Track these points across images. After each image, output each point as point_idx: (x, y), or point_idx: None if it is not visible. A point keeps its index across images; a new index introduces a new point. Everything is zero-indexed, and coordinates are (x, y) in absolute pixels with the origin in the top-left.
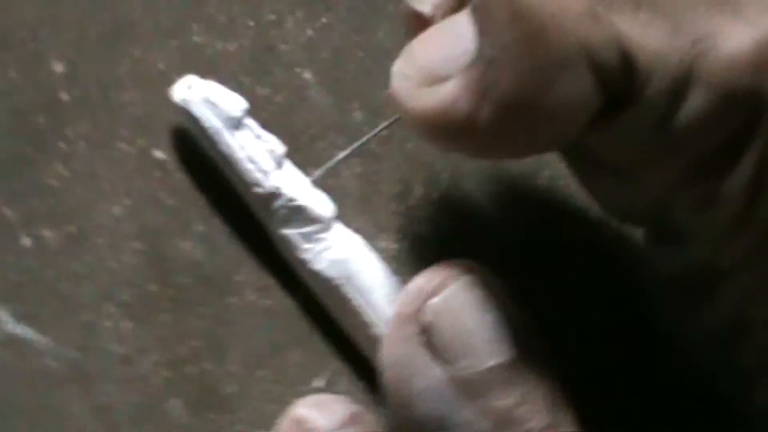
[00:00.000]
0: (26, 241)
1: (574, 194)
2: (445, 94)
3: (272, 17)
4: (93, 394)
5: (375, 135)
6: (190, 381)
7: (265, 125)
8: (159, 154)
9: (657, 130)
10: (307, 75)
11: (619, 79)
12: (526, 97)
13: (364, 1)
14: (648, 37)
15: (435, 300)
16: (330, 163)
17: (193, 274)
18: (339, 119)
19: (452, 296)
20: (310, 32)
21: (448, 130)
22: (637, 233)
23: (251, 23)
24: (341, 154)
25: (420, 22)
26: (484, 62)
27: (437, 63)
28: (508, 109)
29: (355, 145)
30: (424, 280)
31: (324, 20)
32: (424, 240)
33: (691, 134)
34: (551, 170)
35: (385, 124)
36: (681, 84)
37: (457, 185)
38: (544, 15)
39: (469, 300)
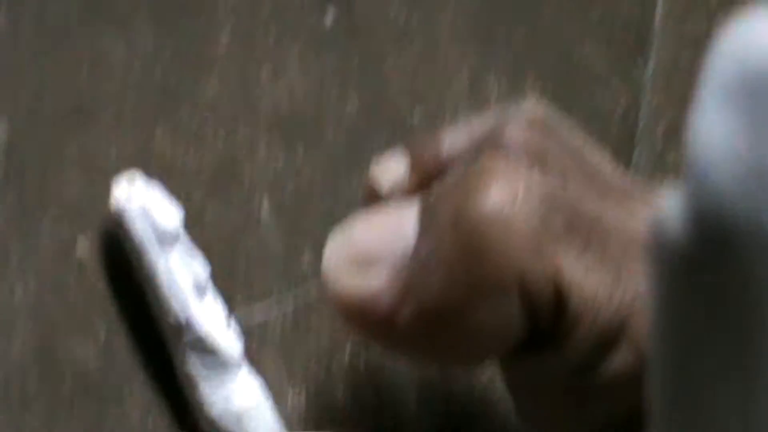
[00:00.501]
0: None
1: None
2: (370, 283)
3: (246, 137)
4: None
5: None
6: None
7: (204, 245)
8: (81, 247)
9: (574, 376)
10: (265, 203)
11: (548, 317)
12: (449, 309)
13: (347, 147)
14: (588, 281)
15: None
16: (252, 312)
17: (80, 376)
18: (285, 256)
19: None
20: (280, 164)
21: (364, 318)
22: None
23: (221, 137)
24: (273, 299)
25: (375, 199)
26: (417, 261)
27: (372, 246)
28: (428, 315)
29: (290, 294)
30: None
31: (299, 153)
32: (337, 404)
33: (609, 391)
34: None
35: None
36: (610, 338)
37: (388, 363)
38: (487, 235)
39: None
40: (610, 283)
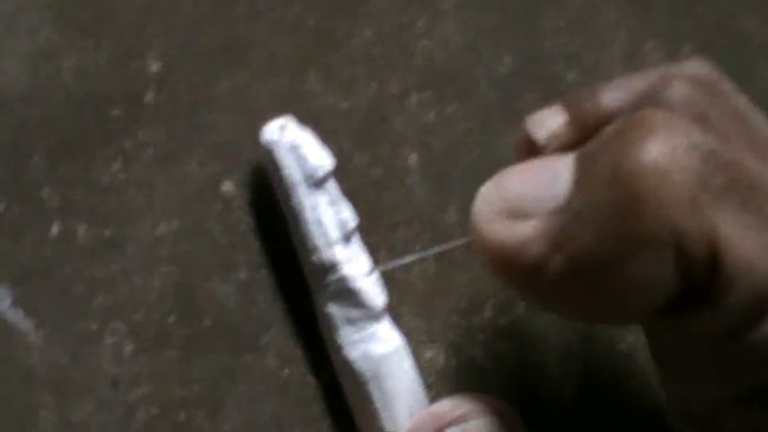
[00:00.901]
0: (55, 230)
1: (650, 373)
2: (521, 233)
3: (397, 89)
4: (67, 408)
5: (454, 247)
6: (175, 427)
7: (351, 194)
8: (228, 186)
9: (724, 340)
10: (413, 158)
11: (702, 277)
12: (600, 263)
13: (499, 105)
14: (745, 242)
15: (452, 429)
16: (400, 262)
17: (219, 318)
18: (430, 214)
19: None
20: (431, 116)
21: (513, 269)
22: None
23: (373, 87)
24: (416, 256)
25: (530, 148)
26: (569, 213)
27: (524, 199)
28: (578, 267)
29: (433, 251)
30: (449, 406)
31: (450, 109)
32: (475, 365)
33: (758, 358)
34: (635, 336)
35: (458, 242)
36: (764, 301)
37: (530, 319)
38: (645, 187)
39: None
40: (766, 245)
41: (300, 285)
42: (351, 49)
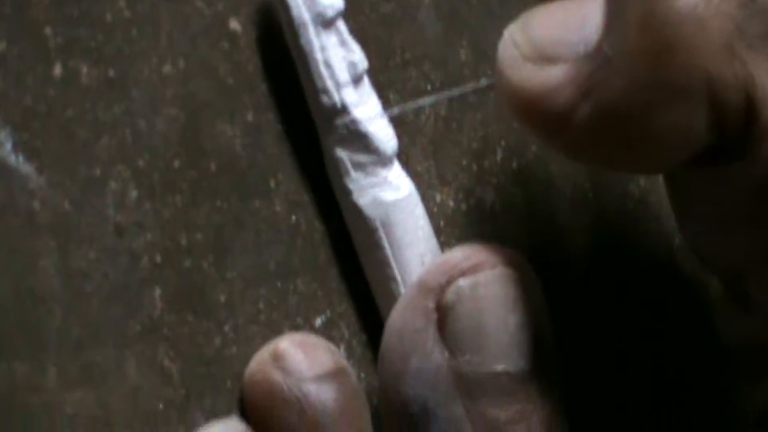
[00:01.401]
0: (58, 71)
1: (664, 215)
2: (548, 79)
3: None
4: (70, 255)
5: (467, 92)
6: (180, 274)
7: (360, 32)
8: (235, 24)
9: (757, 193)
10: None
11: (737, 127)
12: (630, 111)
13: None
14: None
15: (463, 281)
16: (411, 105)
17: (225, 163)
18: (441, 52)
19: (482, 284)
20: None
21: (539, 115)
22: (715, 283)
23: None
24: (428, 99)
25: None
26: (599, 59)
27: (552, 42)
28: (608, 116)
29: (447, 93)
30: (461, 256)
31: None
32: (485, 209)
33: None
34: (648, 181)
35: (477, 86)
36: None
37: (542, 164)
38: (679, 34)
39: (498, 293)
40: None
41: (308, 128)
42: None
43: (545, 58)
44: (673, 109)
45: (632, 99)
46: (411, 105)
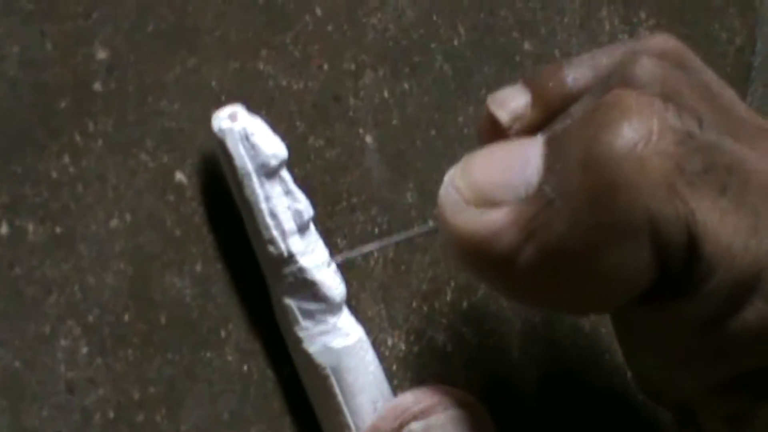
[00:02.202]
0: (4, 229)
1: (615, 349)
2: (491, 222)
3: (351, 67)
4: (21, 414)
5: (414, 236)
6: (133, 429)
7: (306, 179)
8: (180, 176)
9: (703, 328)
10: (369, 138)
11: (680, 264)
12: (574, 252)
13: (455, 79)
14: (723, 228)
15: (415, 425)
16: (360, 250)
17: (175, 315)
18: (388, 195)
19: (435, 426)
20: (386, 94)
21: (482, 259)
22: (668, 416)
23: (326, 66)
24: (373, 245)
25: (495, 128)
26: (541, 201)
27: (493, 186)
28: (552, 258)
29: (391, 240)
30: (412, 399)
31: (405, 85)
32: (437, 350)
33: (739, 345)
34: (597, 315)
35: (426, 227)
36: (744, 290)
37: (492, 301)
38: (619, 173)
39: None
40: (746, 230)
41: (257, 277)
42: (302, 28)
43: (487, 201)
44: (617, 248)
45: (575, 240)
46: (359, 251)
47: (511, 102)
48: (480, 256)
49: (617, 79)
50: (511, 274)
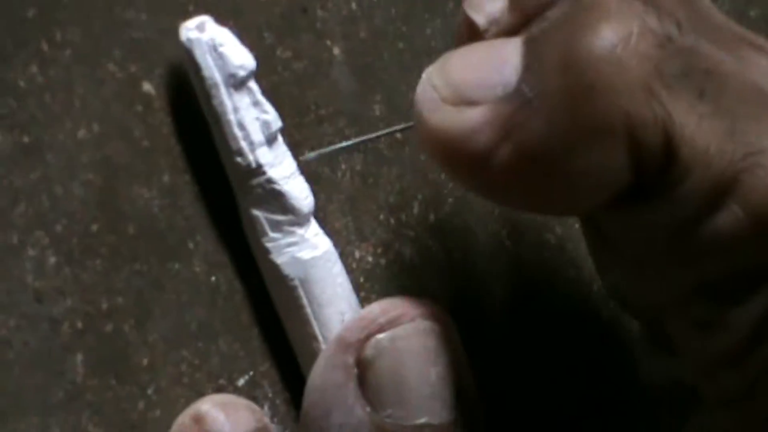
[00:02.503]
0: None
1: (581, 261)
2: (468, 120)
3: None
4: None
5: (386, 134)
6: (101, 339)
7: (274, 90)
8: (148, 87)
9: (677, 233)
10: (336, 50)
11: (655, 166)
12: (550, 152)
13: None
14: (700, 131)
15: (382, 335)
16: (328, 149)
17: (143, 226)
18: (356, 107)
19: (401, 337)
20: (353, 5)
21: (459, 157)
22: (635, 326)
23: None
24: (343, 144)
25: (471, 32)
26: (519, 100)
27: (470, 85)
28: (527, 157)
29: (362, 138)
30: (379, 310)
31: None
32: (405, 263)
33: (711, 250)
34: (564, 228)
35: (401, 126)
36: (718, 193)
37: (459, 214)
38: (598, 74)
39: (417, 346)
40: (723, 134)
41: (225, 188)
42: None
43: (464, 100)
44: (593, 149)
45: (552, 139)
46: (320, 152)
47: (487, 5)
48: (456, 154)
49: None
50: (487, 173)
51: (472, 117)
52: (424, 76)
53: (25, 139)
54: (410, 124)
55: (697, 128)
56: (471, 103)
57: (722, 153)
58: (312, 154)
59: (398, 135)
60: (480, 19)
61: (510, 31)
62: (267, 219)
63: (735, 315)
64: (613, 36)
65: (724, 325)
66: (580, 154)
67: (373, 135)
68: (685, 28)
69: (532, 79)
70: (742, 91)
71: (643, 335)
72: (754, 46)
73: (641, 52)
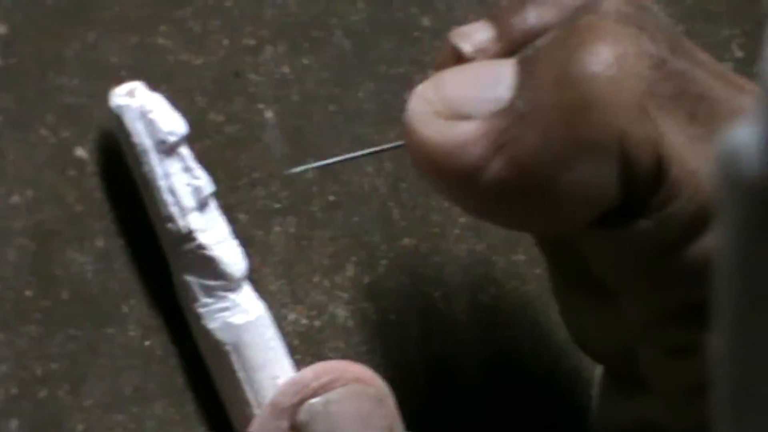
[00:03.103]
0: None
1: (516, 325)
2: (461, 134)
3: (251, 42)
4: None
5: (376, 152)
6: (36, 404)
7: (206, 154)
8: (81, 152)
9: (661, 254)
10: (269, 114)
11: (645, 185)
12: (542, 166)
13: (355, 54)
14: (690, 153)
15: (315, 400)
16: (315, 165)
17: (77, 290)
18: (289, 168)
19: (335, 401)
20: (285, 69)
21: (450, 171)
22: (596, 371)
23: (225, 42)
24: (333, 159)
25: (458, 62)
26: (512, 115)
27: (464, 99)
28: (520, 171)
29: (352, 155)
30: (312, 374)
31: (305, 61)
32: (339, 325)
33: (694, 273)
34: (497, 288)
35: (391, 145)
36: (705, 216)
37: (393, 276)
38: (593, 91)
39: (350, 410)
40: (712, 157)
41: (159, 253)
42: (202, 3)
43: (457, 114)
44: (585, 165)
45: (545, 154)
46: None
47: (475, 35)
48: (447, 168)
49: (584, 15)
50: (478, 188)
51: (465, 130)
52: (417, 89)
53: None
54: (400, 143)
55: (688, 150)
56: (464, 116)
57: (711, 176)
58: (297, 169)
59: (331, 198)
60: (467, 47)
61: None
62: (199, 284)
63: (712, 342)
64: (609, 55)
65: (701, 349)
66: (572, 169)
67: (365, 152)
68: (678, 54)
69: (527, 94)
70: (732, 116)
71: (607, 379)
72: (735, 85)
73: (636, 71)
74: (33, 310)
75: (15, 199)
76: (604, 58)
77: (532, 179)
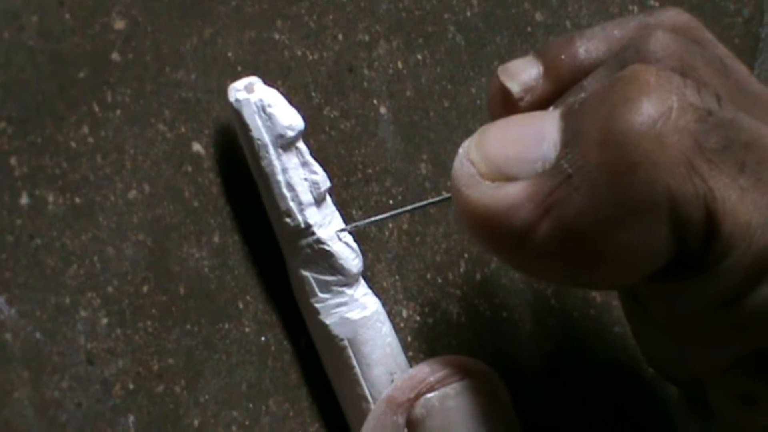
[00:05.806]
0: (25, 200)
1: (625, 324)
2: (507, 196)
3: (365, 38)
4: (43, 386)
5: (421, 207)
6: (153, 400)
7: (321, 150)
8: (197, 147)
9: (720, 307)
10: (383, 109)
11: (698, 241)
12: (591, 228)
13: (468, 49)
14: (741, 205)
15: (431, 395)
16: (371, 220)
17: (194, 286)
18: (403, 166)
19: (450, 396)
20: (400, 65)
21: (498, 233)
22: (672, 390)
23: (340, 37)
24: (387, 214)
25: (505, 100)
26: (559, 176)
27: (509, 160)
28: (568, 234)
29: (397, 211)
30: (428, 370)
31: (419, 56)
32: (452, 322)
33: (756, 324)
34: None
35: (437, 199)
36: (762, 267)
37: (505, 273)
38: (639, 150)
39: (466, 405)
40: (765, 208)
41: (274, 248)
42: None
43: (502, 175)
44: (635, 224)
45: (593, 215)
46: (373, 219)
47: (523, 73)
48: (494, 231)
49: (632, 52)
50: (526, 250)
51: (511, 193)
52: (460, 150)
53: (77, 201)
54: (447, 195)
55: (739, 202)
56: (510, 178)
57: (765, 227)
58: (356, 224)
59: (444, 193)
60: (515, 87)
61: (545, 99)
62: (316, 279)
63: None
64: (654, 111)
65: (766, 400)
66: (621, 229)
67: (409, 208)
68: (724, 101)
69: (572, 154)
70: None
71: (682, 399)
72: None
73: (681, 127)
74: (150, 306)
75: (133, 194)
76: (647, 114)
77: (582, 241)
